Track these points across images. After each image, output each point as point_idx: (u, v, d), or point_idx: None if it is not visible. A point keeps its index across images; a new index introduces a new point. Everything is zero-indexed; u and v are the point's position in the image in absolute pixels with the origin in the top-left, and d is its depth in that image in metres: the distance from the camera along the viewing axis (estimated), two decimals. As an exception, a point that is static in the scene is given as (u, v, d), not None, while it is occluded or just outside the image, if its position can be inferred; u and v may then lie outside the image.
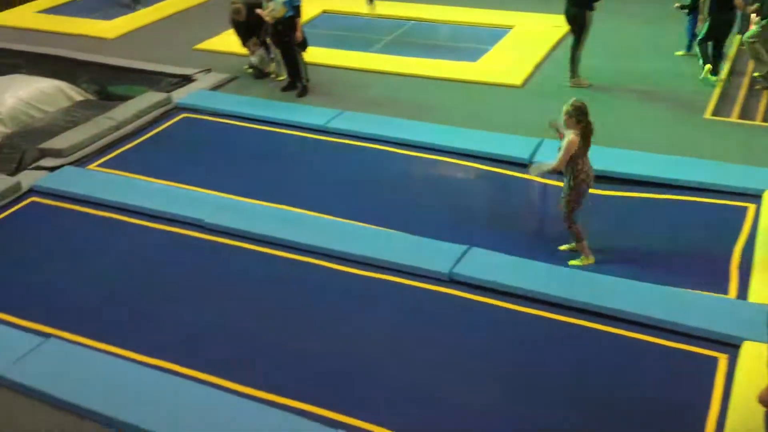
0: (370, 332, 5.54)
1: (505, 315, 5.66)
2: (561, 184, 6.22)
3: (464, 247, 6.29)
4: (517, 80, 9.73)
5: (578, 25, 9.27)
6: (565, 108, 5.89)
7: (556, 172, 6.25)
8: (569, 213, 6.14)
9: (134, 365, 5.23)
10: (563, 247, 6.42)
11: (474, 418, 4.76)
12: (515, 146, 7.98)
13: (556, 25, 11.54)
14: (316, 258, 6.38)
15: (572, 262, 6.23)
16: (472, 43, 11.37)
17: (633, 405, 4.82)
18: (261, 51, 10.15)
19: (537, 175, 7.07)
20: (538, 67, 10.25)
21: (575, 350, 5.29)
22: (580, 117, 5.87)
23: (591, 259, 6.23)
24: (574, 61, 9.48)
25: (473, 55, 10.74)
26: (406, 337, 5.50)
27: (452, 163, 7.92)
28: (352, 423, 4.74)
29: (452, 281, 6.00)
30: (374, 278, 6.11)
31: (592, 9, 9.14)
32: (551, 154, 7.70)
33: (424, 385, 5.04)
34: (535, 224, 6.93)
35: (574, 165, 5.98)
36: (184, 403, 4.85)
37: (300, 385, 5.06)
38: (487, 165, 7.79)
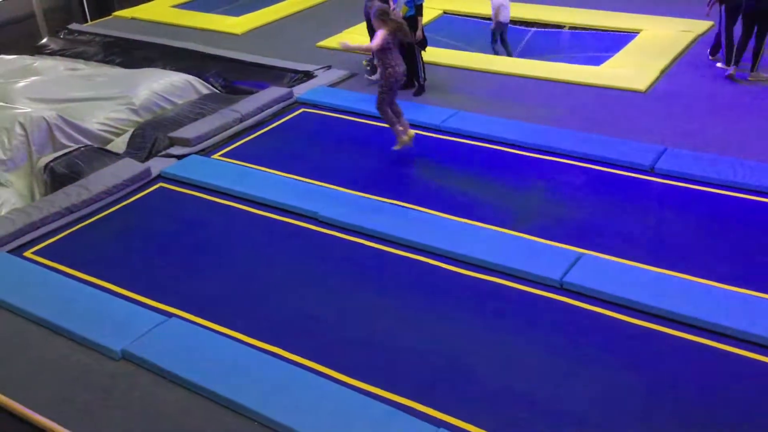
0: (473, 333, 5.51)
1: (613, 325, 5.51)
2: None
3: (577, 253, 6.18)
4: (642, 86, 9.42)
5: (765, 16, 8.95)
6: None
7: (363, 52, 7.62)
8: (381, 101, 7.69)
9: (246, 348, 5.43)
10: (397, 148, 7.93)
11: (571, 426, 4.67)
12: (636, 153, 7.75)
13: (686, 30, 11.13)
14: (426, 256, 6.41)
15: (395, 148, 7.92)
16: (597, 46, 11.10)
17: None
18: None
19: (342, 47, 7.92)
20: (664, 72, 9.88)
21: (686, 369, 5.08)
22: (383, 17, 7.41)
23: (405, 139, 7.84)
24: (759, 53, 9.21)
25: (597, 59, 10.49)
26: (508, 340, 5.44)
27: (569, 166, 7.76)
28: (450, 421, 4.75)
29: (563, 288, 5.90)
30: (481, 279, 6.08)
31: None
32: (675, 162, 7.50)
33: (524, 389, 4.98)
34: (656, 232, 6.69)
35: (385, 59, 7.50)
36: (294, 388, 4.99)
37: (401, 380, 5.11)
38: (606, 170, 7.61)
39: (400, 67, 7.62)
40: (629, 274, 5.93)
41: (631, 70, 9.90)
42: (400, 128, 7.90)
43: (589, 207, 7.06)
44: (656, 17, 11.80)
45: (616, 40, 11.15)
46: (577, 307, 5.71)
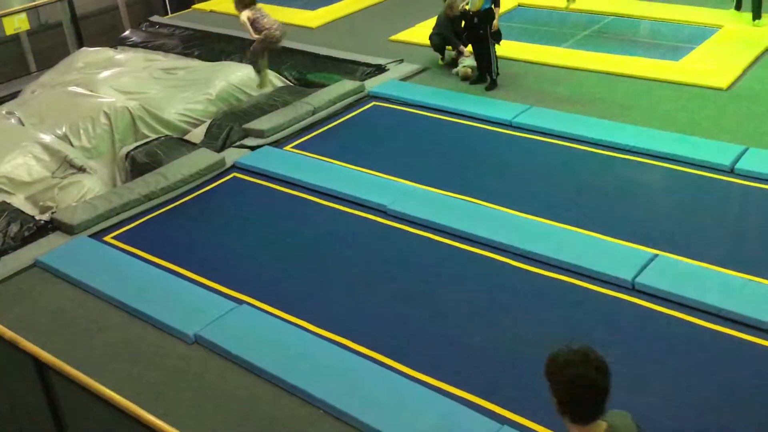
0: (540, 331, 5.46)
1: (687, 328, 5.37)
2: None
3: (651, 254, 6.04)
4: (723, 83, 9.11)
5: None
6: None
7: (255, 38, 8.94)
8: (254, 55, 9.19)
9: (313, 337, 5.54)
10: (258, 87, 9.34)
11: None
12: (716, 152, 7.50)
13: (771, 25, 10.70)
14: (496, 252, 6.37)
15: (257, 87, 9.35)
16: (675, 41, 10.79)
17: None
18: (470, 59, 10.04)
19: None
20: (746, 70, 9.53)
21: (764, 376, 4.92)
22: (246, 2, 8.84)
23: (266, 87, 9.50)
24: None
25: (676, 54, 10.20)
26: (577, 339, 5.32)
27: (645, 164, 7.58)
28: (514, 418, 4.73)
29: (635, 289, 5.78)
30: (552, 278, 6.01)
31: None
32: (756, 163, 7.24)
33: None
34: (734, 234, 6.48)
35: (260, 28, 8.86)
36: (360, 379, 5.06)
37: (465, 375, 5.11)
38: (684, 169, 7.40)
39: (278, 31, 9.00)
40: (705, 276, 5.78)
41: (711, 66, 9.59)
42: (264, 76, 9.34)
43: (665, 207, 6.89)
44: (738, 12, 11.36)
45: (696, 34, 10.81)
46: (650, 309, 5.59)
